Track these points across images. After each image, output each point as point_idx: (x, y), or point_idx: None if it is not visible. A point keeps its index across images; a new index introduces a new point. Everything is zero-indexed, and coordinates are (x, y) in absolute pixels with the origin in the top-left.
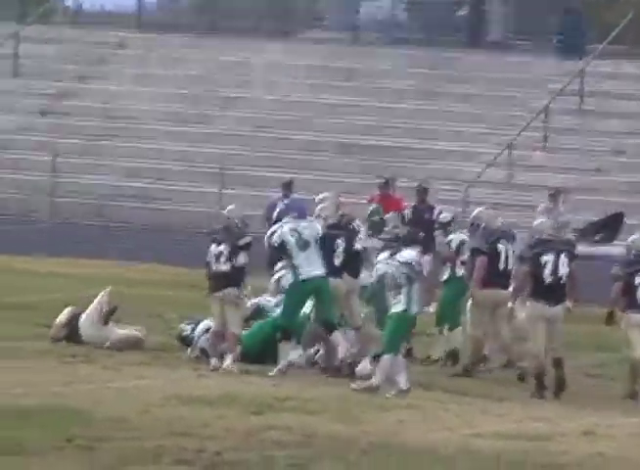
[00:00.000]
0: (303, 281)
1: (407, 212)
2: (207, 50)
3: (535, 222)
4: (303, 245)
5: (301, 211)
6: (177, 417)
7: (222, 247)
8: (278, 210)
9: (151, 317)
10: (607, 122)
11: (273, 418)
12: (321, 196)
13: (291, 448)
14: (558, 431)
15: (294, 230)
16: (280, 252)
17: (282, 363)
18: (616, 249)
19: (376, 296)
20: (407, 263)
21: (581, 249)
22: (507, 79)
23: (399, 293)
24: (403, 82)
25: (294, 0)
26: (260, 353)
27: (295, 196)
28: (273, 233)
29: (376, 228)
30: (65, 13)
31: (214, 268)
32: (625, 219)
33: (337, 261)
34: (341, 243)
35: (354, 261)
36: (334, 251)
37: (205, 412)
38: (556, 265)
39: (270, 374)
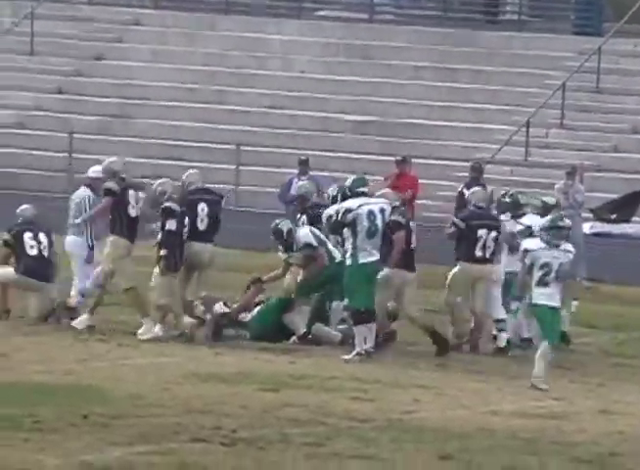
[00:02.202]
0: (362, 264)
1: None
2: (224, 27)
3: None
4: (373, 233)
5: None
6: (195, 395)
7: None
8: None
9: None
10: (624, 101)
11: (289, 396)
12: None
13: (307, 426)
14: (574, 409)
15: (371, 213)
16: (344, 226)
17: (362, 347)
18: (633, 227)
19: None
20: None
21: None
22: (523, 57)
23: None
24: (419, 60)
25: None
26: (271, 333)
27: (312, 173)
28: (349, 210)
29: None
30: None
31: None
32: None
33: (201, 226)
34: (204, 207)
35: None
36: (197, 215)
37: (222, 390)
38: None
39: (346, 358)
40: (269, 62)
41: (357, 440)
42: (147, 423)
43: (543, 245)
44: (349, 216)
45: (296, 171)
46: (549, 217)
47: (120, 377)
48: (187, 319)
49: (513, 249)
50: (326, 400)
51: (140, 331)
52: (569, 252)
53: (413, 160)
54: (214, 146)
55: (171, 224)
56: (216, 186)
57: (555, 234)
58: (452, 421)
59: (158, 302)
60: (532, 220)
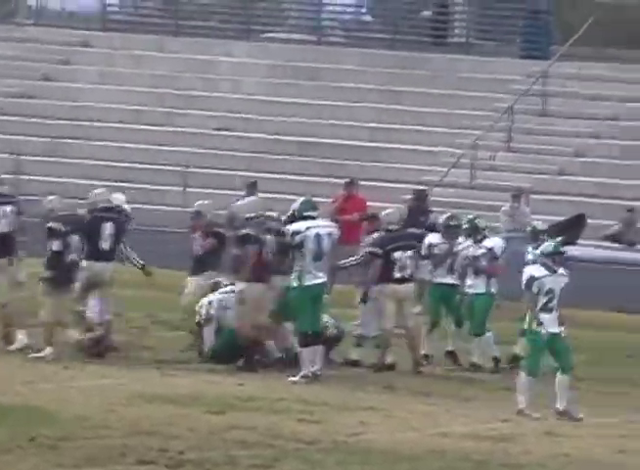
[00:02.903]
0: (306, 287)
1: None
2: (172, 49)
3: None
4: (319, 255)
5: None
6: (141, 416)
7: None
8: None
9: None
10: (570, 124)
11: (237, 418)
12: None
13: (254, 448)
14: (520, 431)
15: (318, 236)
16: (292, 248)
17: (309, 369)
18: (579, 249)
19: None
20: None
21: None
22: (470, 80)
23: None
24: (367, 82)
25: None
26: (229, 355)
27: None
28: (297, 233)
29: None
30: (27, 12)
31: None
32: (587, 221)
33: (104, 246)
34: (109, 227)
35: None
36: (100, 234)
37: (169, 411)
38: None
39: (293, 380)
40: (217, 84)
41: (304, 462)
42: (93, 445)
43: (545, 271)
44: (297, 239)
45: (242, 193)
46: (550, 243)
47: (67, 399)
48: (72, 333)
49: (478, 272)
50: (274, 422)
51: None
52: (564, 276)
53: (361, 182)
54: (162, 168)
55: (56, 245)
56: (164, 209)
57: (557, 260)
58: (401, 443)
59: (45, 320)
60: (494, 243)
